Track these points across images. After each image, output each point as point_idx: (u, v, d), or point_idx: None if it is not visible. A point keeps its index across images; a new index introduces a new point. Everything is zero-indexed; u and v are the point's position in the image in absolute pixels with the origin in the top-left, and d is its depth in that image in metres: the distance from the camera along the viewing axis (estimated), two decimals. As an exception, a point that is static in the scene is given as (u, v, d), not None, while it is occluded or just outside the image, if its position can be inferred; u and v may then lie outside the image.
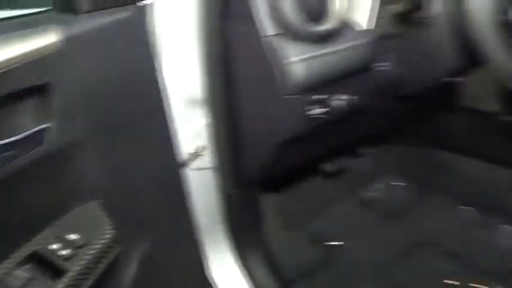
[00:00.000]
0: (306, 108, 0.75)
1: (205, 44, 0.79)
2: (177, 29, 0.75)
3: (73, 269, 0.50)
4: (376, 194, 1.42)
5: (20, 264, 0.48)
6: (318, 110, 0.76)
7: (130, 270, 0.61)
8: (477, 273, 1.12)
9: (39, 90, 0.48)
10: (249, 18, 0.72)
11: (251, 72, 0.78)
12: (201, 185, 0.90)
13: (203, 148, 0.92)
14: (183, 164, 0.82)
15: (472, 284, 1.11)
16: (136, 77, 0.65)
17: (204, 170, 0.93)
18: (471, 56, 0.75)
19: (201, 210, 0.88)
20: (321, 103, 0.76)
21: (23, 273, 0.47)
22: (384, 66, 0.84)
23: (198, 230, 0.85)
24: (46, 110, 0.49)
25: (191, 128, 0.88)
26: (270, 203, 1.16)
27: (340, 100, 0.78)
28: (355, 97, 0.79)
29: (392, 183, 1.42)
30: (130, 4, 0.63)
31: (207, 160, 0.93)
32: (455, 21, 0.75)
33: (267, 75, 0.74)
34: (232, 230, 1.01)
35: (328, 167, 1.31)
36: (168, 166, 0.75)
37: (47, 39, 0.51)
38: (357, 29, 0.77)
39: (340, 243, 1.27)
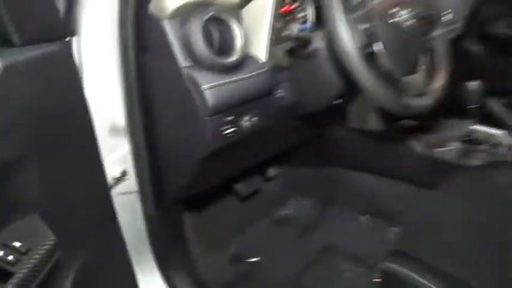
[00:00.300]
0: (220, 128, 0.87)
1: (124, 76, 0.89)
2: (100, 62, 0.85)
3: (20, 272, 0.55)
4: (288, 212, 1.58)
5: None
6: (230, 129, 0.89)
7: (68, 278, 0.66)
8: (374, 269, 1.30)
9: None
10: (166, 52, 0.84)
11: (170, 99, 0.89)
12: (127, 208, 0.96)
13: (127, 173, 0.99)
14: (110, 188, 0.89)
15: (375, 280, 1.28)
16: (66, 105, 0.72)
17: (129, 194, 1.00)
18: (349, 82, 0.94)
19: (128, 231, 0.94)
20: (233, 123, 0.89)
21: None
22: (280, 92, 1.00)
23: (127, 249, 0.90)
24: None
25: (116, 154, 0.95)
26: (192, 223, 1.24)
27: (248, 121, 0.92)
28: (257, 118, 0.93)
29: (300, 201, 1.59)
30: (59, 39, 0.72)
31: (131, 184, 1.01)
32: (333, 55, 0.94)
33: (184, 102, 0.85)
34: (158, 250, 1.07)
35: (242, 189, 1.44)
36: (97, 188, 0.81)
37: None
38: (257, 61, 0.93)
39: (258, 259, 1.39)
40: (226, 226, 1.40)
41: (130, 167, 0.99)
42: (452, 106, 1.43)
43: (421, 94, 0.94)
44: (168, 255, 1.10)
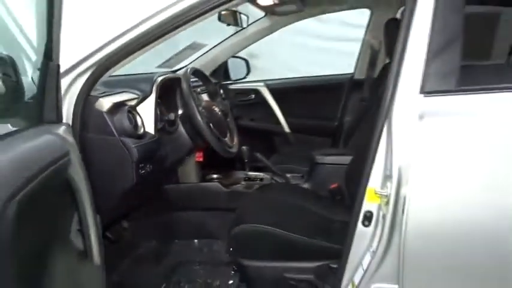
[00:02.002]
0: (140, 170, 1.53)
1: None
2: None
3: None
4: (141, 252, 2.17)
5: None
6: (143, 171, 1.56)
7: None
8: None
9: None
10: (106, 130, 1.47)
11: (107, 157, 1.49)
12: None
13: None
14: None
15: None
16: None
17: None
18: (196, 142, 1.77)
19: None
20: (144, 168, 1.56)
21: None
22: (160, 152, 1.73)
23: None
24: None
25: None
26: None
27: (148, 167, 1.61)
28: (152, 166, 1.63)
29: (149, 243, 2.22)
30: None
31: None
32: (187, 129, 1.76)
33: (119, 156, 1.48)
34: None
35: (111, 236, 1.99)
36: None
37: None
38: (151, 134, 1.65)
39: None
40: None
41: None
42: (237, 161, 2.42)
43: (231, 147, 1.86)
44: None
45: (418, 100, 1.21)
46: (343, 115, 2.89)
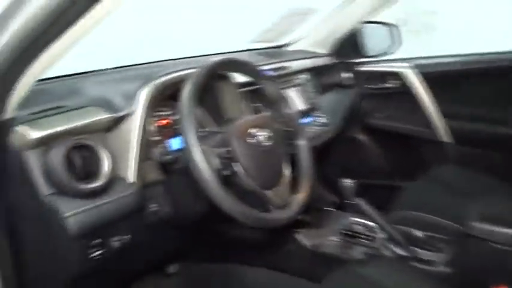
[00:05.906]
0: (87, 252, 0.88)
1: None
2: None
3: None
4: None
5: None
6: (98, 252, 0.89)
7: None
8: None
9: None
10: (28, 181, 0.85)
11: (34, 227, 0.88)
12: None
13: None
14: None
15: None
16: None
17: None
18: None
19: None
20: (101, 245, 0.90)
21: None
22: (154, 207, 1.03)
23: None
24: None
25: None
26: None
27: (117, 241, 0.94)
28: (129, 236, 0.95)
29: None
30: None
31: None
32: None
33: (48, 229, 0.85)
34: None
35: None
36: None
37: None
38: (124, 182, 0.96)
39: None
40: None
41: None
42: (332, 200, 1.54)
43: (283, 206, 1.02)
44: None
45: None
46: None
